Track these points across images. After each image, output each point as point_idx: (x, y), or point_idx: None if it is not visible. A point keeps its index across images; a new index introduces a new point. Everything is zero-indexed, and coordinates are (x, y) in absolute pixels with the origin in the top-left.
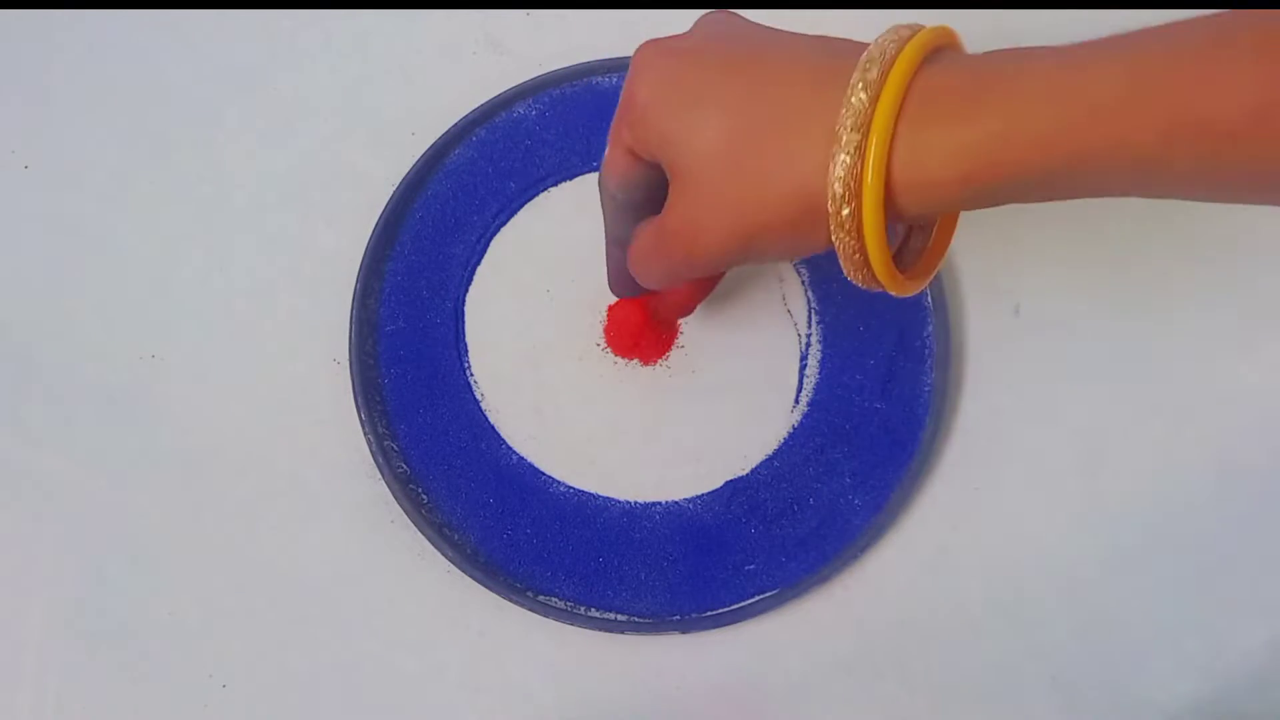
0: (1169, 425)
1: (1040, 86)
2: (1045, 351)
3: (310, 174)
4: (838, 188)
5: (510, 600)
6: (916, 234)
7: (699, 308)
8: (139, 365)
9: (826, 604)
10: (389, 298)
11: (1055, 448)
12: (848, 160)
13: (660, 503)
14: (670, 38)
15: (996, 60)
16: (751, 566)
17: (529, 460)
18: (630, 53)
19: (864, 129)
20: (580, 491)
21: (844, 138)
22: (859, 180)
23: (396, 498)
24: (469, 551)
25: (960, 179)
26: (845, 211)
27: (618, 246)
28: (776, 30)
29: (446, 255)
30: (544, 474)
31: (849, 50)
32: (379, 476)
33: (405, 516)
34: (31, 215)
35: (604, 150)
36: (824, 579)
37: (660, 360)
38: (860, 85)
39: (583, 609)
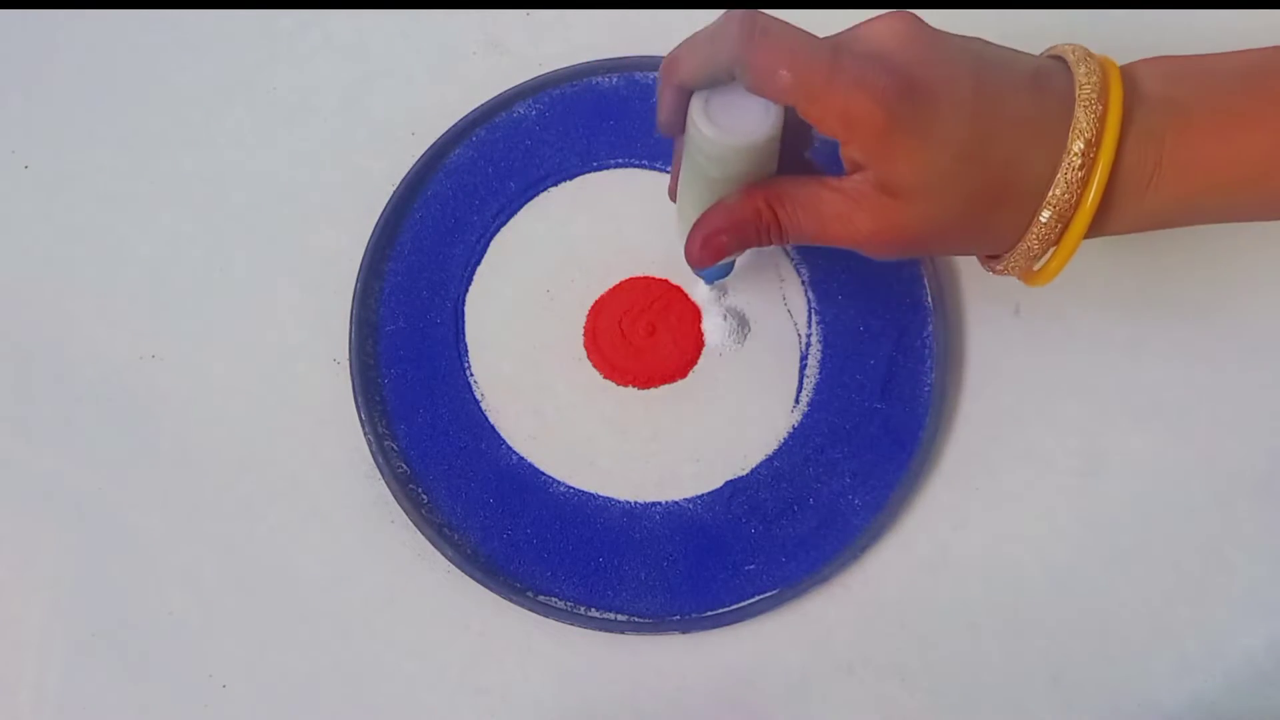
0: (1169, 425)
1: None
2: (1045, 351)
3: (310, 174)
4: (1061, 192)
5: (510, 600)
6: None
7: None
8: (139, 365)
9: (826, 604)
10: (389, 298)
11: (1055, 448)
12: (1076, 166)
13: (660, 503)
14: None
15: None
16: (751, 566)
17: (529, 460)
18: (629, 53)
19: (1093, 147)
20: (580, 491)
21: (1074, 149)
22: (1081, 187)
23: (396, 498)
24: (469, 551)
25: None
26: (1048, 216)
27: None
28: (969, 44)
29: (446, 255)
30: (544, 474)
31: (1054, 72)
32: (379, 476)
33: (405, 516)
34: (31, 215)
35: (603, 151)
36: (824, 579)
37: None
38: (1082, 118)
39: (583, 609)
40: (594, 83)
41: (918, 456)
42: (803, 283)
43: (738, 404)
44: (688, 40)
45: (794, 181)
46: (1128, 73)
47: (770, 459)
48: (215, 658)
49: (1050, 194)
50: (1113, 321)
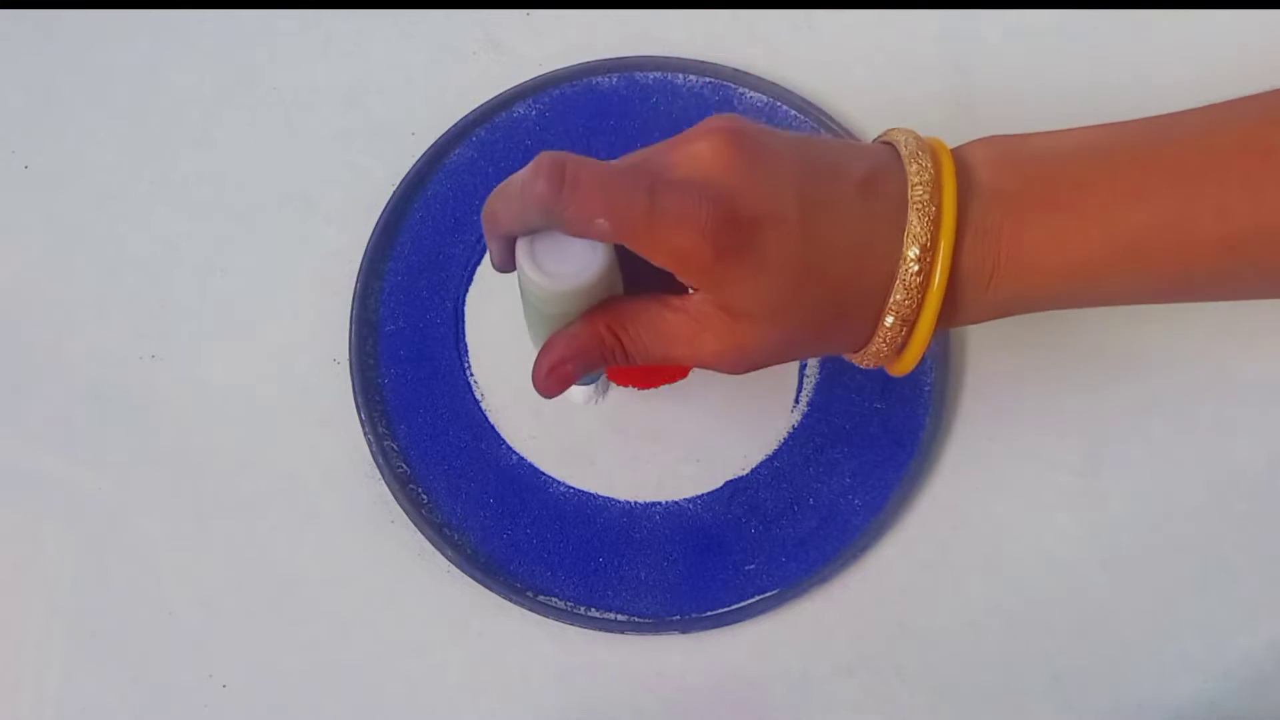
0: (1169, 425)
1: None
2: (1045, 351)
3: (310, 174)
4: (901, 298)
5: (510, 600)
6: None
7: None
8: (139, 365)
9: (826, 604)
10: (389, 298)
11: (1055, 448)
12: (914, 272)
13: (660, 503)
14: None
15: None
16: (751, 566)
17: (529, 460)
18: (629, 53)
19: (929, 251)
20: (580, 491)
21: (909, 256)
22: (922, 291)
23: (396, 498)
24: (469, 551)
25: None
26: (892, 321)
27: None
28: (795, 154)
29: (446, 255)
30: (544, 474)
31: (886, 171)
32: (379, 476)
33: (405, 516)
34: (31, 215)
35: (603, 151)
36: (824, 579)
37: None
38: (916, 223)
39: (583, 609)
40: (594, 83)
41: (918, 456)
42: None
43: (738, 404)
44: (499, 191)
45: (636, 304)
46: (962, 162)
47: (770, 459)
48: (215, 658)
49: (891, 300)
50: (1113, 322)
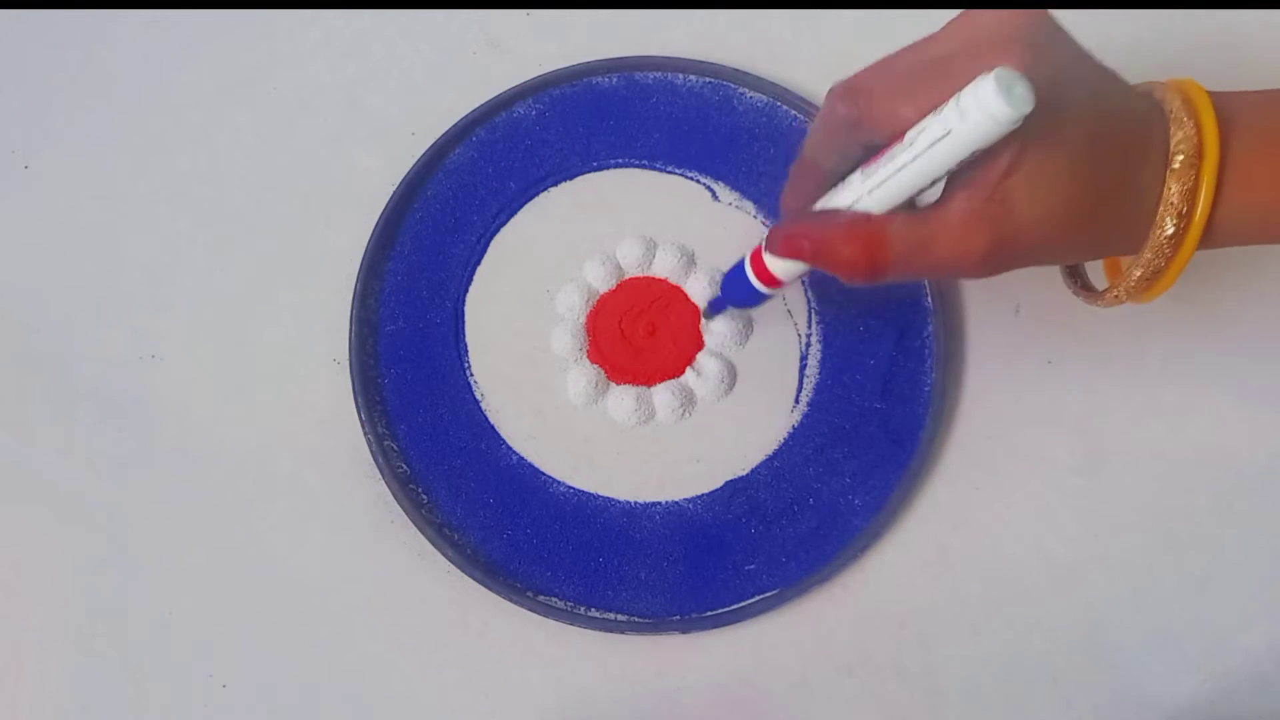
0: (1169, 425)
1: None
2: (1045, 352)
3: (310, 174)
4: (1173, 206)
5: (510, 600)
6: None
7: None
8: (139, 365)
9: (826, 604)
10: (389, 298)
11: (1055, 448)
12: (1185, 184)
13: (660, 503)
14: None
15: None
16: (751, 566)
17: (529, 460)
18: (629, 53)
19: (1196, 162)
20: (580, 491)
21: (1178, 167)
22: (1192, 201)
23: (396, 498)
24: (469, 551)
25: None
26: (1170, 231)
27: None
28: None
29: (446, 255)
30: (544, 474)
31: (1148, 102)
32: (379, 476)
33: (405, 516)
34: (31, 215)
35: (603, 151)
36: (824, 579)
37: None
38: (1181, 135)
39: (583, 609)
40: (594, 83)
41: (918, 456)
42: (803, 283)
43: (738, 404)
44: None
45: (897, 218)
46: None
47: (770, 459)
48: (215, 658)
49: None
50: (1113, 321)
